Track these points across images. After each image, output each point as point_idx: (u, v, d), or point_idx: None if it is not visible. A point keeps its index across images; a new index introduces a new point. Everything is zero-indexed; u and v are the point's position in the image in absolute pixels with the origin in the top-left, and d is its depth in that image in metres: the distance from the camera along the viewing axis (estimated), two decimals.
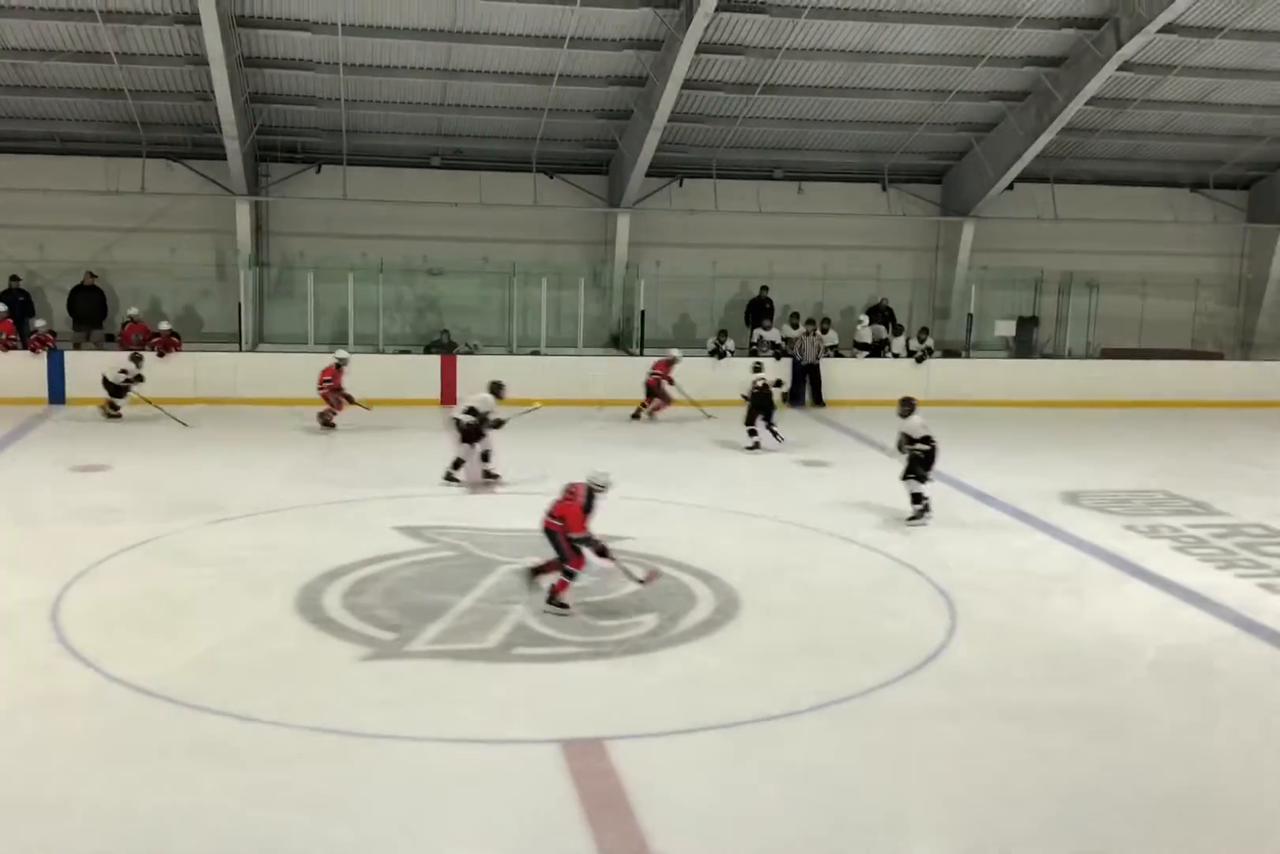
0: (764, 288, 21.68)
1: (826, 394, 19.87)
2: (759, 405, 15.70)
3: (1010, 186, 22.16)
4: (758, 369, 16.04)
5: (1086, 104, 19.71)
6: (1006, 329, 22.26)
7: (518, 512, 11.31)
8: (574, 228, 22.56)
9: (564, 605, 8.74)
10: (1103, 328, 22.88)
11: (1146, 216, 23.32)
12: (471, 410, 13.03)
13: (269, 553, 10.39)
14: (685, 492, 13.14)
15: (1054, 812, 6.10)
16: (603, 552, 8.70)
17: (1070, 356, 22.55)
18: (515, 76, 19.47)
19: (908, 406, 12.36)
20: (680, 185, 22.52)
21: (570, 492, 8.79)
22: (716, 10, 16.83)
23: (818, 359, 19.98)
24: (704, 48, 17.97)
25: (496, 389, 13.11)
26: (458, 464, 13.29)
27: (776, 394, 16.27)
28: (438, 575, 9.69)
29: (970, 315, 21.85)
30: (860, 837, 5.79)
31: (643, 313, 20.69)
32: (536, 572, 9.01)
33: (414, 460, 14.53)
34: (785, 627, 8.71)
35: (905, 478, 12.09)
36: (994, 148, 21.58)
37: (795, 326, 20.81)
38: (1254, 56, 19.31)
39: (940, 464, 12.25)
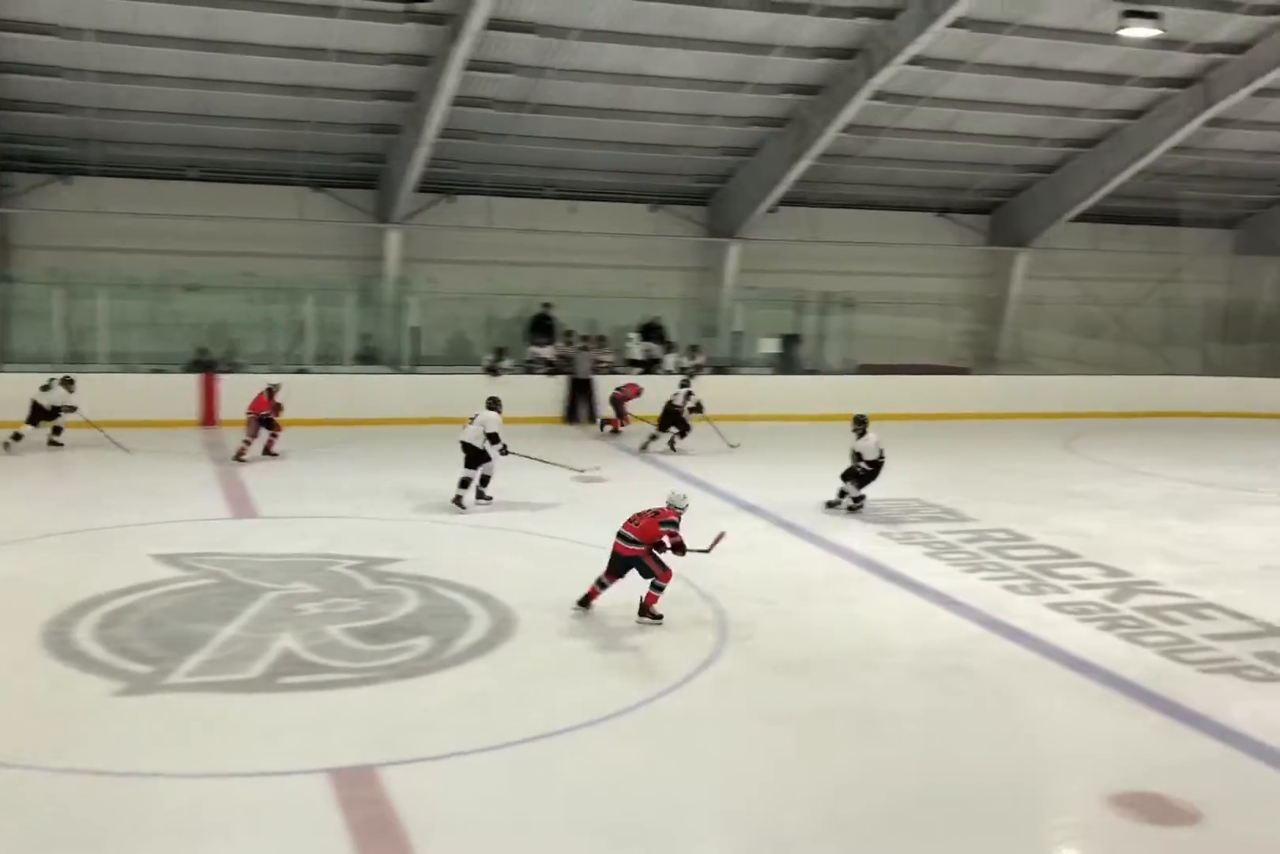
0: (546, 305, 21.76)
1: (601, 411, 20.07)
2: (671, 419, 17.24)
3: (773, 209, 22.93)
4: (684, 385, 17.56)
5: (842, 131, 20.59)
6: (771, 346, 22.99)
7: (279, 536, 10.99)
8: (342, 243, 22.13)
9: (659, 616, 9.17)
10: (859, 345, 23.91)
11: (899, 239, 24.52)
12: (492, 436, 12.86)
13: (12, 585, 9.78)
14: (460, 511, 13.01)
15: (824, 810, 6.32)
16: (679, 547, 9.28)
17: (830, 372, 23.45)
18: (276, 88, 18.96)
19: (861, 425, 12.72)
20: (453, 201, 22.40)
21: (651, 514, 9.31)
22: (485, 28, 16.83)
23: (590, 375, 20.19)
24: (473, 65, 17.94)
25: (495, 404, 13.15)
26: (465, 484, 12.94)
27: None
28: (197, 604, 9.30)
29: (735, 333, 22.46)
30: (640, 848, 5.86)
31: (415, 329, 20.43)
32: (586, 601, 9.40)
33: (172, 484, 13.94)
34: (561, 644, 8.74)
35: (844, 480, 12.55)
36: (756, 172, 22.29)
37: (569, 343, 20.97)
38: (993, 89, 20.58)
39: (707, 477, 12.55)
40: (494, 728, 7.14)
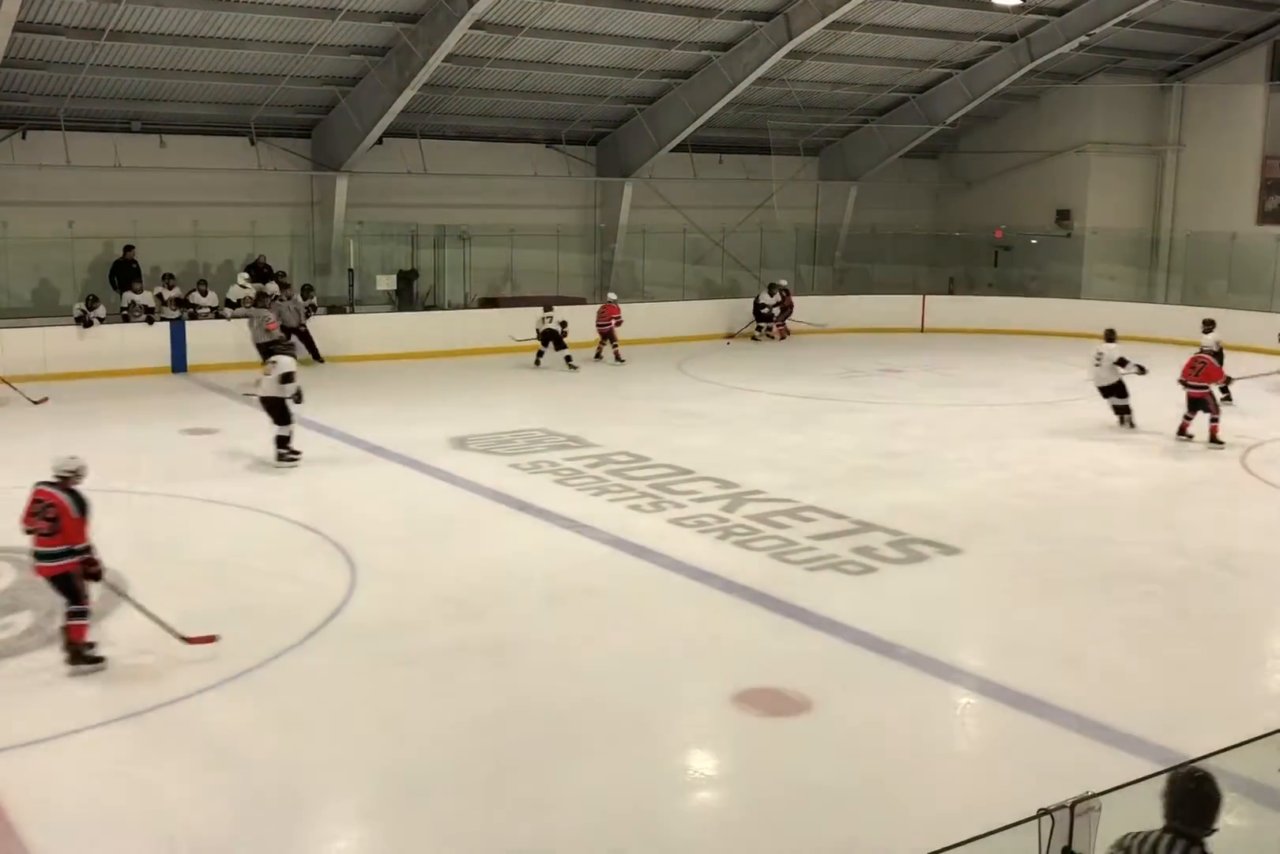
0: (128, 248, 20.27)
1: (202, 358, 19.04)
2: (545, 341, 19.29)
3: (380, 141, 22.34)
4: (547, 309, 19.68)
5: (445, 61, 20.22)
6: (387, 283, 22.56)
7: None
8: None
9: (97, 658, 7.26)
10: (478, 278, 23.86)
11: (510, 171, 24.50)
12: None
13: None
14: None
15: (466, 744, 6.39)
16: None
17: (449, 307, 23.30)
18: None
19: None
20: (24, 138, 20.38)
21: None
22: None
23: (302, 324, 19.28)
24: None
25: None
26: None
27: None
28: None
29: (351, 270, 21.85)
30: (267, 809, 5.71)
31: None
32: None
33: None
34: (180, 604, 8.30)
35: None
36: (360, 102, 21.58)
37: (170, 288, 19.70)
38: (592, 21, 20.80)
39: (331, 421, 12.23)
40: (110, 702, 6.74)
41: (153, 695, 6.80)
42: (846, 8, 20.79)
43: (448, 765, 6.13)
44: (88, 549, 7.30)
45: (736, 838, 5.64)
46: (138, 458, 12.81)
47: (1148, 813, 3.79)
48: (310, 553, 9.55)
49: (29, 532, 7.29)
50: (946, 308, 25.33)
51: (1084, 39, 23.68)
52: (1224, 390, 15.29)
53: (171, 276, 20.10)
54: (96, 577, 7.37)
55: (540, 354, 19.68)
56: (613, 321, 20.92)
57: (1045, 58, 24.29)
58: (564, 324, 19.57)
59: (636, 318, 22.29)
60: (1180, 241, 27.24)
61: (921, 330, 24.82)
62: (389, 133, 22.24)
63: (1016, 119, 28.30)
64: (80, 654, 7.18)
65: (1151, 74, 27.54)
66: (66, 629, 7.23)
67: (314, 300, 20.53)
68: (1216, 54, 26.84)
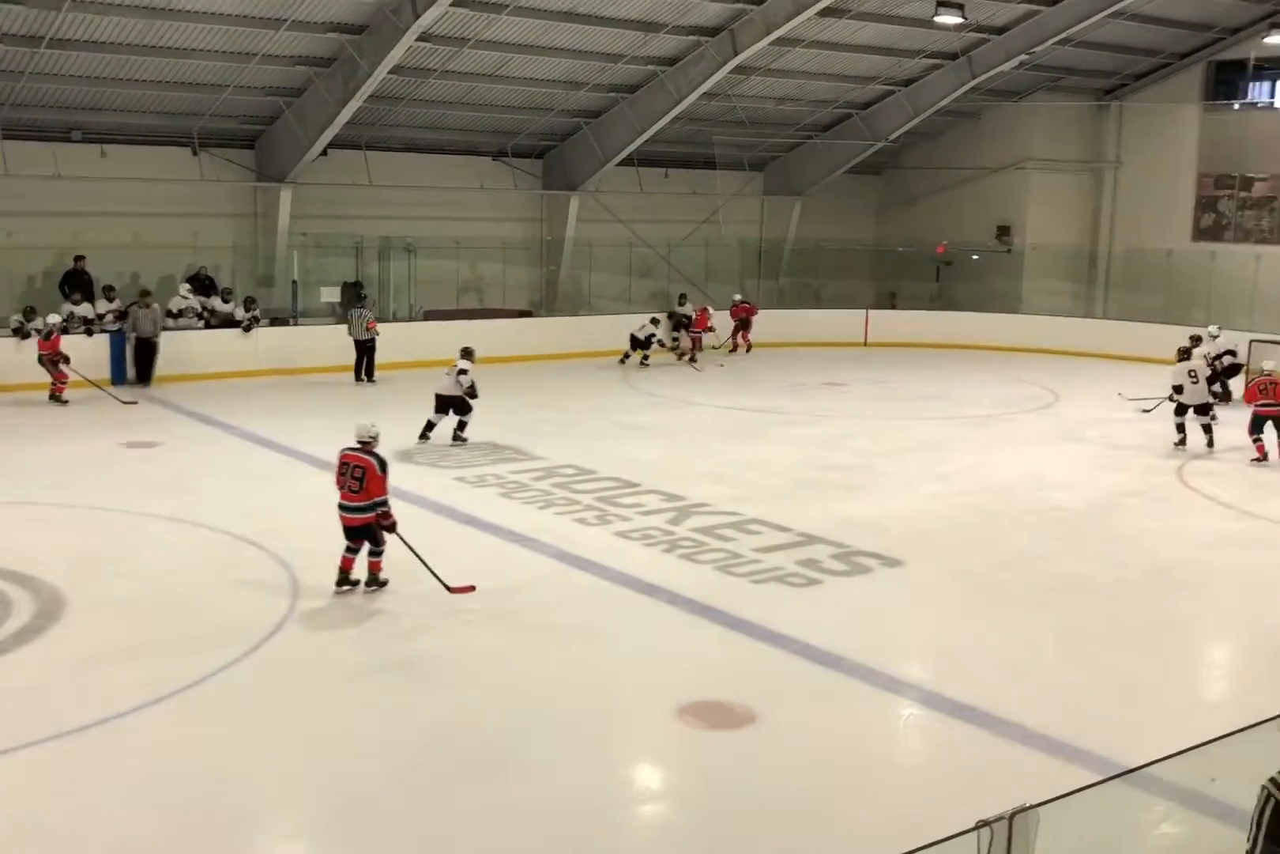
0: (79, 258, 19.98)
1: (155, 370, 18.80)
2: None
3: (325, 152, 22.21)
4: (656, 322, 21.81)
5: (390, 73, 20.15)
6: (331, 295, 22.39)
7: None
8: None
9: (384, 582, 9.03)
10: (424, 290, 23.76)
11: (457, 183, 24.44)
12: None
13: None
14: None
15: (412, 758, 6.35)
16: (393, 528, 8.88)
17: (395, 320, 23.18)
18: None
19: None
20: None
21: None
22: None
23: (157, 333, 18.86)
24: None
25: (469, 354, 14.58)
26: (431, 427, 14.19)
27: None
28: None
29: (295, 282, 21.68)
30: (208, 828, 5.64)
31: None
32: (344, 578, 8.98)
33: None
34: (118, 622, 8.20)
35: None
36: (305, 113, 21.45)
37: (110, 299, 19.47)
38: (538, 34, 20.84)
39: (273, 434, 12.12)
40: (46, 720, 6.62)
41: (91, 715, 6.69)
42: (791, 24, 21.00)
43: (392, 780, 6.09)
44: (385, 502, 8.72)
45: (681, 850, 5.65)
46: (74, 472, 12.62)
47: (1086, 824, 3.85)
48: (252, 568, 9.45)
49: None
50: (890, 322, 25.56)
51: (1024, 57, 24.08)
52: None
53: (112, 289, 19.85)
54: (391, 527, 8.76)
55: (645, 357, 21.57)
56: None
57: (986, 75, 24.66)
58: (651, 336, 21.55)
59: (584, 330, 22.32)
60: (1118, 257, 27.72)
61: (865, 344, 25.04)
62: (334, 144, 22.15)
63: (958, 136, 28.67)
64: (377, 579, 8.90)
65: (1090, 92, 28.04)
66: (371, 564, 8.89)
67: (257, 312, 20.37)
68: (1153, 73, 27.39)
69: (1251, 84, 26.52)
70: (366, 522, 8.74)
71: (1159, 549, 10.57)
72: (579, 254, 25.92)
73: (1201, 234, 26.80)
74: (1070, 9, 22.72)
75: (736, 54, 21.81)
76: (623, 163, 25.13)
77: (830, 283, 28.35)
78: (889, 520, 11.24)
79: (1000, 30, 23.72)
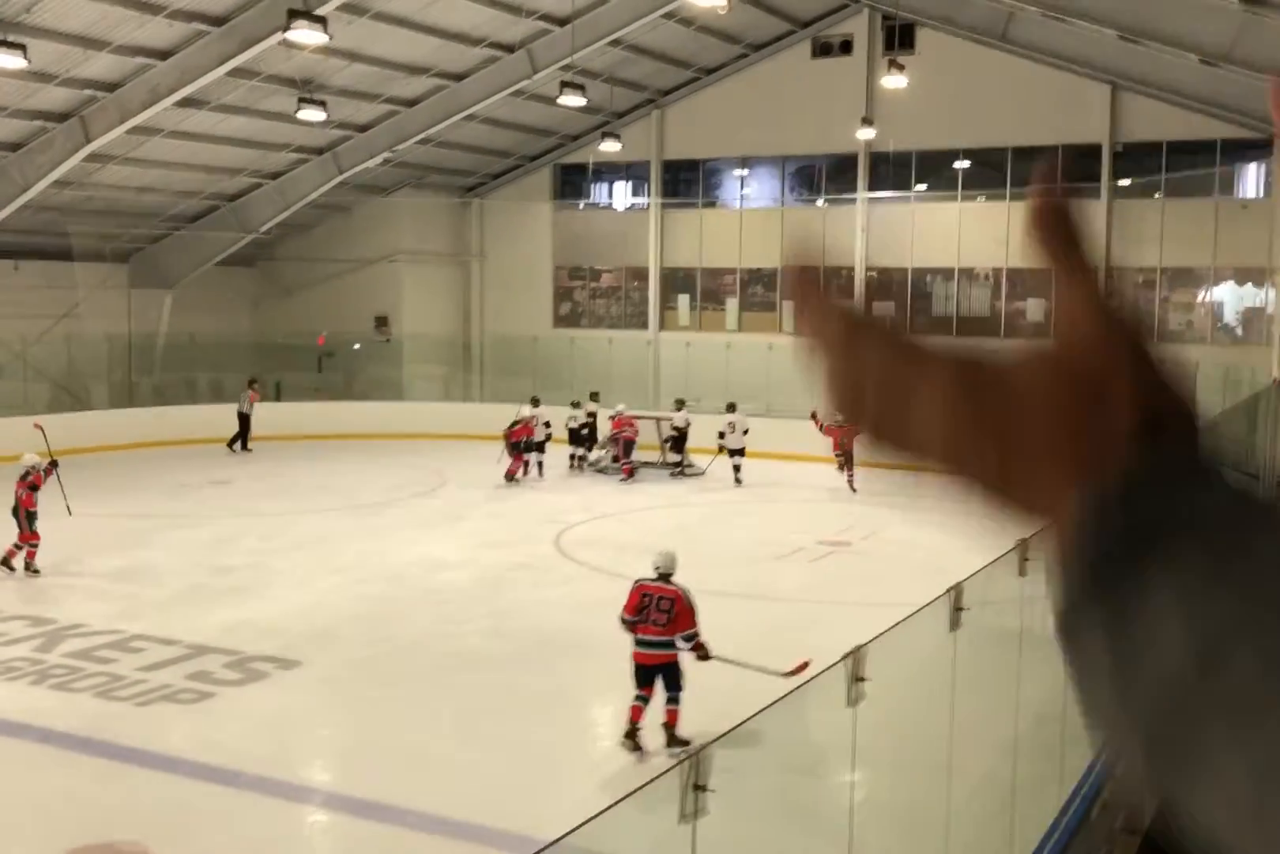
0: None
1: None
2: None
3: None
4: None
5: None
6: None
7: None
8: None
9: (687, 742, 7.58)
10: None
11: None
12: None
13: None
14: None
15: None
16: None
17: None
18: None
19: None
20: None
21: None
22: None
23: None
24: None
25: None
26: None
27: None
28: None
29: None
30: None
31: None
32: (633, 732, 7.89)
33: None
34: None
35: None
36: None
37: None
38: None
39: None
40: None
41: None
42: (147, 113, 20.29)
43: None
44: (696, 634, 7.99)
45: None
46: None
47: None
48: None
49: (635, 623, 7.95)
50: (273, 415, 25.05)
51: (387, 155, 25.05)
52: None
53: None
54: (706, 657, 8.06)
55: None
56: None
57: (353, 171, 25.31)
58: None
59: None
60: (489, 344, 29.44)
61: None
62: None
63: (331, 228, 29.12)
64: (674, 737, 7.84)
65: (454, 190, 29.71)
66: (668, 713, 7.91)
67: None
68: (509, 173, 29.59)
69: (593, 185, 29.51)
70: (669, 659, 7.99)
71: (542, 618, 11.17)
72: None
73: (561, 320, 29.19)
74: (426, 111, 24.03)
75: (89, 141, 20.70)
76: None
77: (210, 377, 27.47)
78: (286, 620, 10.96)
79: (364, 128, 24.52)
